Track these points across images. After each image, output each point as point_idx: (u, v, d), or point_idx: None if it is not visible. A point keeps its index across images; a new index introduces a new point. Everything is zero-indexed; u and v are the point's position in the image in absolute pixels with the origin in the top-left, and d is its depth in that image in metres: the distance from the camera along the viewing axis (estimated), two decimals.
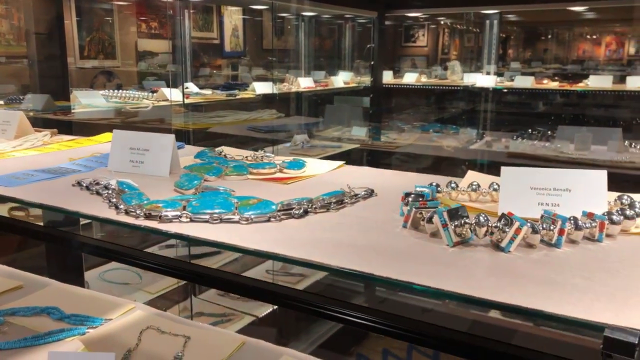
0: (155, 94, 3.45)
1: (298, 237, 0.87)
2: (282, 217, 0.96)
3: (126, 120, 3.13)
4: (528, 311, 0.64)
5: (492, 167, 2.50)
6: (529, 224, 0.81)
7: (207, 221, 0.94)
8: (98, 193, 1.11)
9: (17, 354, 1.32)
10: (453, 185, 1.07)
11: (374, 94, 4.83)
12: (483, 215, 0.83)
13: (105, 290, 2.01)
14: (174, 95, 3.31)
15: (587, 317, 0.61)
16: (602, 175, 0.93)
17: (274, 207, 0.98)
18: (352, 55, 5.78)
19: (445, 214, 0.82)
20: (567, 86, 4.95)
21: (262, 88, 4.14)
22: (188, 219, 0.94)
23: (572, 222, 0.84)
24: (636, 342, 0.57)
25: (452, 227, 0.82)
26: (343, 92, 5.16)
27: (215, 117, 3.52)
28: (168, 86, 3.58)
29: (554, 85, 5.03)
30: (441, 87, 5.57)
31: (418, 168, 2.90)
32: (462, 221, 0.83)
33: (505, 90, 5.13)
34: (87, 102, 3.12)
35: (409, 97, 5.61)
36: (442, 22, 6.65)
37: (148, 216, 0.96)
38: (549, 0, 4.05)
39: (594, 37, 6.10)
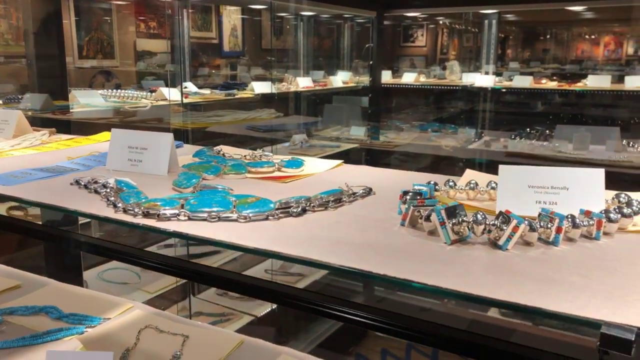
0: (154, 94, 3.45)
1: (296, 236, 0.88)
2: (280, 215, 0.96)
3: (125, 120, 3.13)
4: (526, 308, 0.64)
5: (490, 167, 2.51)
6: (526, 222, 0.81)
7: (205, 219, 0.94)
8: (96, 192, 1.11)
9: (15, 353, 1.32)
10: (451, 183, 1.07)
11: (372, 93, 4.83)
12: (481, 213, 0.83)
13: (103, 290, 2.01)
14: (173, 94, 3.31)
15: (585, 315, 0.61)
16: (599, 173, 0.93)
17: (272, 205, 0.98)
18: (351, 55, 5.77)
19: (443, 212, 0.83)
20: (565, 86, 4.95)
21: (260, 88, 4.13)
22: (186, 217, 0.94)
23: (569, 220, 0.84)
24: (633, 339, 0.57)
25: (450, 225, 0.83)
26: (342, 91, 5.15)
27: (214, 116, 3.51)
28: (167, 86, 3.58)
29: (552, 85, 5.03)
30: (440, 87, 5.57)
31: (417, 167, 2.90)
32: (460, 219, 0.83)
33: (504, 90, 5.14)
34: (86, 101, 3.12)
35: (407, 97, 5.61)
36: (440, 22, 6.65)
37: (146, 214, 0.96)
38: (548, 0, 4.06)
39: (593, 37, 6.10)
